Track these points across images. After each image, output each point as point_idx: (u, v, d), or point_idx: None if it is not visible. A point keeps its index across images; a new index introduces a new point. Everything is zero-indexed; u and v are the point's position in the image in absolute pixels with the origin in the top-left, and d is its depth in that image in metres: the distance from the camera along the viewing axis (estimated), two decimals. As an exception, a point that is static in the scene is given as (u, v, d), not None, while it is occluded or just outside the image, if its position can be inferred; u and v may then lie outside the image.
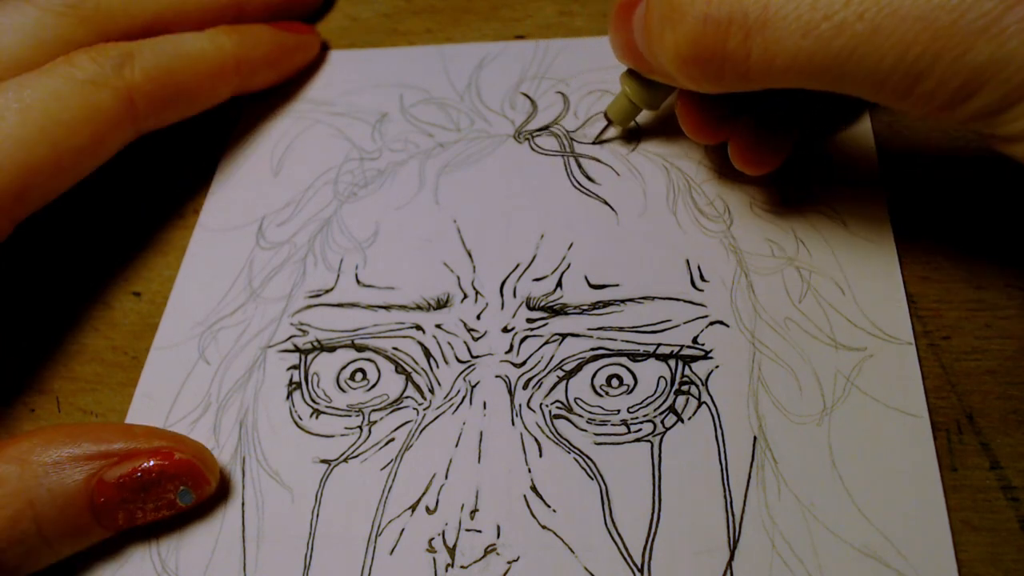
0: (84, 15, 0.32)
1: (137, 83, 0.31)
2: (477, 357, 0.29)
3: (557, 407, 0.27)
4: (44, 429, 0.26)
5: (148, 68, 0.31)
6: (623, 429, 0.27)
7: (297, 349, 0.30)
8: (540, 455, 0.27)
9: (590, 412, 0.27)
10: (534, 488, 0.26)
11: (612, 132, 0.33)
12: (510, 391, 0.28)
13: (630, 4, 0.27)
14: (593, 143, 0.33)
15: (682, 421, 0.27)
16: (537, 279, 0.30)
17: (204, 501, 0.27)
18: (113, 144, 0.31)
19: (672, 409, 0.27)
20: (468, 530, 0.26)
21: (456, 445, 0.27)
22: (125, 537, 0.27)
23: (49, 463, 0.25)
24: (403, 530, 0.26)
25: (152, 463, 0.26)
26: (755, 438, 0.26)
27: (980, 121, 0.21)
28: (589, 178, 0.32)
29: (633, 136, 0.33)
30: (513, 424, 0.27)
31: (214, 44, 0.34)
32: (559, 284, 0.30)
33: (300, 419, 0.29)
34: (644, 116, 0.33)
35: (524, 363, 0.28)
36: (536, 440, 0.27)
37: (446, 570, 0.25)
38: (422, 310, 0.30)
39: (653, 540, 0.25)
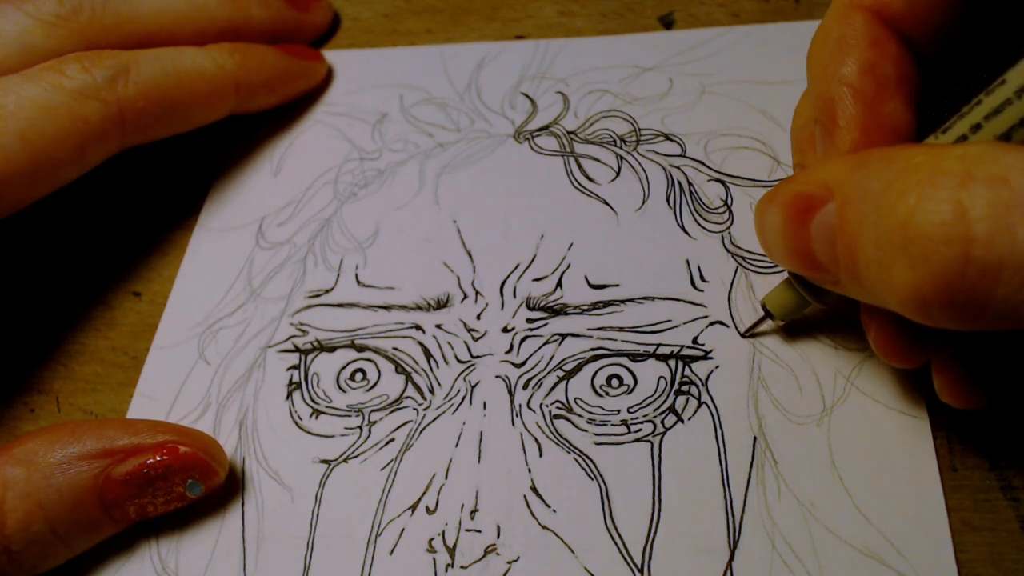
0: (76, 28, 0.31)
1: (129, 98, 0.30)
2: (477, 357, 0.29)
3: (557, 407, 0.27)
4: (48, 429, 0.26)
5: (143, 83, 0.30)
6: (623, 429, 0.27)
7: (297, 349, 0.30)
8: (540, 455, 0.27)
9: (590, 412, 0.27)
10: (534, 488, 0.26)
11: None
12: (510, 391, 0.28)
13: (807, 207, 0.22)
14: (744, 336, 0.28)
15: (682, 421, 0.27)
16: (537, 279, 0.30)
17: (206, 499, 0.27)
18: (95, 157, 0.30)
19: (672, 409, 0.27)
20: (468, 530, 0.26)
21: (456, 445, 0.27)
22: (125, 537, 0.27)
23: (55, 463, 0.25)
24: (403, 530, 0.26)
25: (158, 458, 0.26)
26: (755, 438, 0.26)
27: None
28: (589, 178, 0.32)
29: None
30: (513, 424, 0.27)
31: (215, 63, 0.33)
32: (559, 284, 0.30)
33: (300, 419, 0.29)
34: (653, 117, 0.33)
35: (524, 363, 0.28)
36: (536, 440, 0.27)
37: (446, 570, 0.25)
38: (422, 310, 0.30)
39: (653, 540, 0.25)
